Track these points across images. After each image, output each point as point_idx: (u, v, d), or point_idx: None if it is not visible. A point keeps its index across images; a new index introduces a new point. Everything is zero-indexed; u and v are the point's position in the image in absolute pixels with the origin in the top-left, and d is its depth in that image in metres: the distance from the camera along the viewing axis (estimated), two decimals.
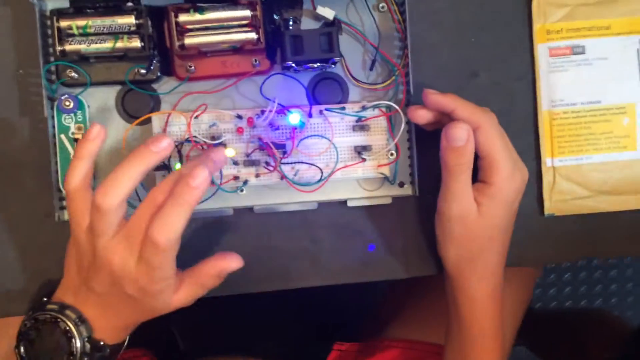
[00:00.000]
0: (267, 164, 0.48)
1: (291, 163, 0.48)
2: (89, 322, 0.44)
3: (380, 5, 0.50)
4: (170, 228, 0.40)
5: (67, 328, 0.43)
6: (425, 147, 0.51)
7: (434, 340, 0.71)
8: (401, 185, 0.51)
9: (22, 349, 0.44)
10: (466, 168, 0.45)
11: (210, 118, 0.48)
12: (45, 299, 0.46)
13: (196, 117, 0.48)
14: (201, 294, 0.46)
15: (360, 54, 0.51)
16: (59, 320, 0.43)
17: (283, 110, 0.48)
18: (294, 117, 0.47)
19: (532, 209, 0.53)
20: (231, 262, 0.45)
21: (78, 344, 0.43)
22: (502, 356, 0.50)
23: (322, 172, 0.48)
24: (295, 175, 0.49)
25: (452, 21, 0.52)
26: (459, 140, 0.44)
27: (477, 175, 0.47)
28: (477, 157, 0.46)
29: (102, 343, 0.45)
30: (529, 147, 0.53)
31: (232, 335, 1.01)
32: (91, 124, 0.42)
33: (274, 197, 0.50)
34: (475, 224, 0.46)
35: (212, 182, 0.47)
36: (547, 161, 0.53)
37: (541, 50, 0.53)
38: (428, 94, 0.46)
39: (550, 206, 0.53)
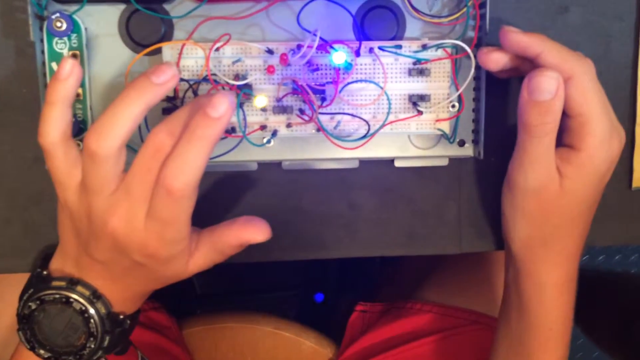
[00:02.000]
0: (302, 112, 0.39)
1: (332, 113, 0.39)
2: (106, 297, 0.37)
3: None
4: (189, 170, 0.32)
5: (83, 308, 0.37)
6: (493, 98, 0.41)
7: (473, 307, 0.64)
8: (461, 144, 0.42)
9: (28, 332, 0.37)
10: (551, 129, 0.36)
11: (234, 51, 0.39)
12: (40, 269, 0.38)
13: (217, 49, 0.38)
14: (220, 261, 0.39)
15: None
16: (71, 300, 0.36)
17: (325, 46, 0.38)
18: (339, 56, 0.37)
19: (618, 179, 0.44)
20: (257, 234, 0.37)
21: (97, 323, 0.37)
22: (566, 354, 0.42)
23: (369, 126, 0.39)
24: (335, 127, 0.40)
25: None
26: (546, 93, 0.35)
27: (562, 138, 0.38)
28: (564, 115, 0.37)
29: (121, 317, 0.38)
30: (622, 105, 0.43)
31: (248, 283, 0.96)
32: (63, 59, 0.34)
33: (307, 151, 0.41)
34: (556, 199, 0.37)
35: (233, 131, 0.38)
36: None
37: None
38: (508, 32, 0.37)
39: None
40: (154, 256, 0.35)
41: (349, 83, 0.39)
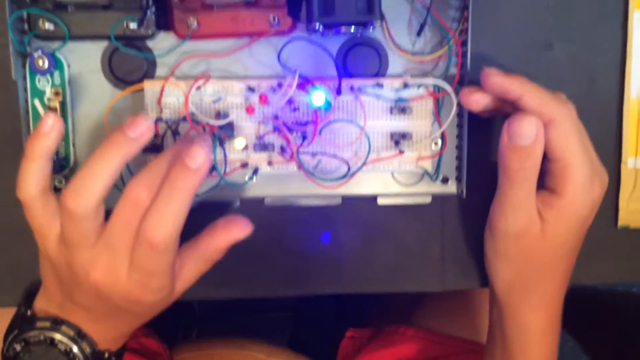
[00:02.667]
0: (283, 149, 0.39)
1: (312, 153, 0.39)
2: (90, 336, 0.37)
3: None
4: (169, 222, 0.32)
5: (68, 349, 0.37)
6: (476, 136, 0.41)
7: (463, 335, 0.63)
8: (445, 181, 0.42)
9: None
10: (531, 174, 0.36)
11: (215, 88, 0.39)
12: (23, 309, 0.38)
13: (198, 88, 0.38)
14: (206, 270, 0.38)
15: (406, 15, 0.40)
16: (55, 341, 0.36)
17: (305, 84, 0.38)
18: (318, 97, 0.37)
19: (603, 217, 0.43)
20: (241, 231, 0.36)
21: None
22: None
23: (348, 166, 0.39)
24: (316, 166, 0.40)
25: None
26: (526, 138, 0.35)
27: (543, 180, 0.37)
28: (545, 158, 0.36)
29: (106, 355, 0.38)
30: (607, 142, 0.43)
31: (244, 311, 0.95)
32: (44, 114, 0.34)
33: (289, 188, 0.41)
34: (537, 243, 0.37)
35: (213, 170, 0.38)
36: (629, 161, 0.43)
37: (638, 18, 0.42)
38: (488, 75, 0.36)
39: (626, 217, 0.43)
40: (139, 302, 0.35)
41: (329, 123, 0.38)
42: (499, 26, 0.41)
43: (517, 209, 0.36)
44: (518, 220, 0.37)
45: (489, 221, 0.39)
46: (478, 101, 0.37)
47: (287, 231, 0.43)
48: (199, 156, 0.31)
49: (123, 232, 0.33)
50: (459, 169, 0.41)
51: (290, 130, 0.38)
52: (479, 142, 0.42)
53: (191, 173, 0.32)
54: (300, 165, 0.39)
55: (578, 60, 0.42)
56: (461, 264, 0.44)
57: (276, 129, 0.38)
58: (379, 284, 0.44)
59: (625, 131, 0.43)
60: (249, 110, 0.38)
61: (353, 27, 0.37)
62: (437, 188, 0.42)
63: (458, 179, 0.42)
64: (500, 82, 0.36)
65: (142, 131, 0.33)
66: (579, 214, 0.36)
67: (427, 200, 0.42)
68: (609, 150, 0.43)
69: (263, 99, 0.38)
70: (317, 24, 0.36)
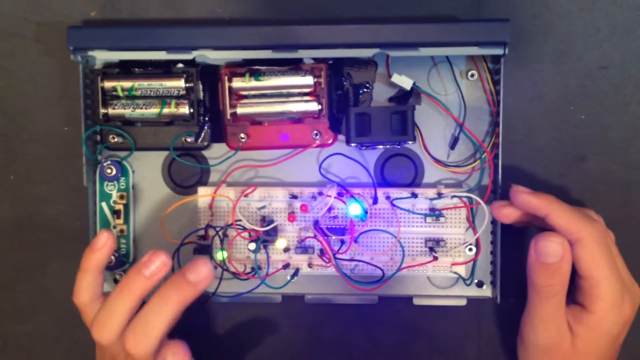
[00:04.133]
0: (322, 252, 0.42)
1: (348, 260, 0.41)
2: None
3: (470, 72, 0.42)
4: (151, 336, 0.34)
5: None
6: (510, 241, 0.42)
7: None
8: (480, 285, 0.43)
9: None
10: (558, 290, 0.37)
11: (261, 195, 0.42)
12: None
13: (245, 195, 0.42)
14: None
15: (441, 129, 0.43)
16: None
17: (344, 194, 0.41)
18: (355, 208, 0.40)
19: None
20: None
21: None
22: None
23: (383, 273, 0.41)
24: (352, 270, 0.42)
25: (557, 93, 0.43)
26: (552, 256, 0.36)
27: (574, 295, 0.38)
28: (576, 274, 0.37)
29: None
30: None
31: None
32: (99, 232, 0.38)
33: (328, 286, 0.44)
34: (568, 358, 0.37)
35: (255, 274, 0.41)
36: None
37: None
38: (517, 193, 0.38)
39: None
40: None
41: (364, 232, 0.41)
42: (531, 139, 0.43)
43: (546, 323, 0.37)
44: (548, 334, 0.37)
45: (520, 332, 0.40)
46: (509, 215, 0.39)
47: (326, 327, 0.45)
48: (202, 270, 0.34)
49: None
50: (493, 274, 0.43)
51: (328, 236, 0.41)
52: (514, 247, 0.43)
53: (188, 286, 0.34)
54: (338, 270, 0.41)
55: (611, 174, 0.43)
56: None
57: (316, 236, 0.41)
58: None
59: None
60: (291, 218, 0.41)
61: (387, 145, 0.40)
62: (472, 291, 0.43)
63: (493, 284, 0.43)
64: (529, 200, 0.37)
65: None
66: (610, 331, 0.37)
67: (463, 302, 0.43)
68: None
69: (304, 208, 0.41)
70: (354, 144, 0.39)
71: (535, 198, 0.37)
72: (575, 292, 0.38)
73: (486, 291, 0.43)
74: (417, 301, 0.44)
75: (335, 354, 0.45)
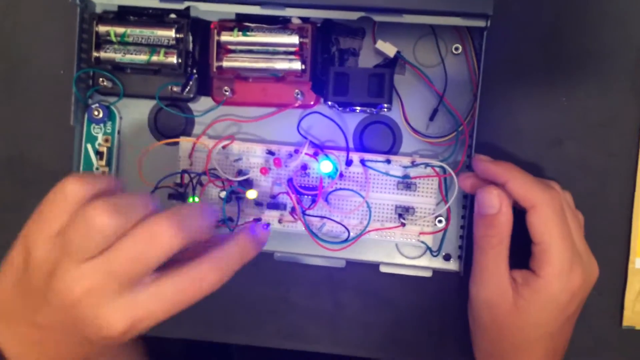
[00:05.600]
0: (293, 210, 0.42)
1: (316, 216, 0.42)
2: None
3: (455, 46, 0.43)
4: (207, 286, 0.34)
5: None
6: None
7: None
8: (447, 258, 0.44)
9: None
10: (496, 243, 0.38)
11: (240, 148, 0.43)
12: None
13: (223, 147, 0.43)
14: None
15: (423, 100, 0.43)
16: None
17: (319, 153, 0.42)
18: (326, 165, 0.41)
19: (608, 316, 0.43)
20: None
21: None
22: None
23: (348, 232, 0.42)
24: (320, 228, 0.43)
25: (542, 74, 0.43)
26: (489, 208, 0.37)
27: (528, 261, 0.39)
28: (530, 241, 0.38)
29: None
30: (616, 242, 0.43)
31: None
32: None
33: (298, 246, 0.44)
34: (509, 316, 0.38)
35: (224, 224, 0.42)
36: (637, 261, 0.43)
37: None
38: (478, 161, 0.40)
39: (632, 317, 0.43)
40: (109, 339, 0.32)
41: (333, 191, 0.42)
42: (509, 119, 0.44)
43: (485, 277, 0.38)
44: (487, 288, 0.38)
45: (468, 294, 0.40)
46: (470, 185, 0.40)
47: (293, 287, 0.46)
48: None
49: (133, 262, 0.31)
50: (461, 247, 0.43)
51: (300, 193, 0.42)
52: None
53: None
54: (305, 226, 0.42)
55: (588, 160, 0.43)
56: (460, 339, 0.44)
57: (287, 191, 0.42)
58: (377, 350, 0.45)
59: (635, 231, 0.43)
60: (263, 171, 0.42)
61: (365, 107, 0.41)
62: (439, 263, 0.44)
63: (460, 258, 0.43)
64: (488, 167, 0.38)
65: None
66: (556, 298, 0.37)
67: (428, 274, 0.44)
68: (617, 251, 0.43)
69: (277, 162, 0.42)
70: (330, 102, 0.40)
71: (494, 165, 0.38)
72: (529, 259, 0.38)
73: (453, 265, 0.44)
74: (383, 269, 0.44)
75: (300, 315, 0.46)
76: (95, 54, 0.43)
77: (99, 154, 0.45)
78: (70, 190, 0.32)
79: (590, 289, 0.38)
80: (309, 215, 0.42)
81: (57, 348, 0.34)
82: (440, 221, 0.43)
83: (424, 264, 0.44)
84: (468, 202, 0.42)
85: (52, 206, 0.33)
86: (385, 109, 0.42)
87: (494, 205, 0.37)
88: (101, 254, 0.31)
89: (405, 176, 0.42)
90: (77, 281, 0.31)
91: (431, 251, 0.43)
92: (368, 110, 0.42)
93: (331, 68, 0.40)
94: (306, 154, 0.42)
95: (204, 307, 0.44)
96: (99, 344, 0.33)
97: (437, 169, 0.42)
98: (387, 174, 0.42)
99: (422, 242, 0.43)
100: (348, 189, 0.42)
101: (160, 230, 0.31)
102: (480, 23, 0.40)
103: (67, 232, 0.31)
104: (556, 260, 0.37)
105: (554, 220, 0.37)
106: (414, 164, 0.42)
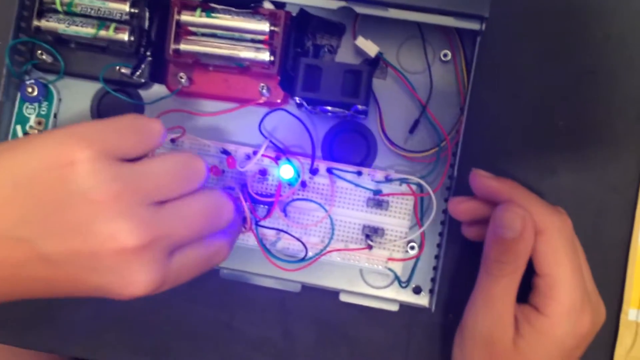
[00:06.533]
0: (245, 220, 0.37)
1: (270, 228, 0.37)
2: None
3: (443, 52, 0.38)
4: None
5: None
6: (458, 249, 0.38)
7: None
8: (417, 291, 0.38)
9: None
10: (510, 271, 0.32)
11: (192, 143, 0.38)
12: None
13: (172, 140, 0.37)
14: None
15: (403, 110, 0.38)
16: None
17: (280, 157, 0.36)
18: (286, 170, 0.35)
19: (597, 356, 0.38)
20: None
21: None
22: None
23: (306, 249, 0.36)
24: (276, 243, 0.37)
25: (538, 94, 0.39)
26: (509, 231, 0.31)
27: (529, 296, 0.34)
28: (534, 272, 0.33)
29: None
30: (608, 288, 0.38)
31: None
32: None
33: (248, 263, 0.38)
34: (506, 356, 0.32)
35: None
36: (630, 312, 0.38)
37: None
38: (477, 176, 0.34)
39: None
40: (116, 294, 0.28)
41: (291, 201, 0.36)
42: (499, 139, 0.39)
43: (490, 307, 0.33)
44: (489, 320, 0.33)
45: (461, 321, 0.35)
46: (467, 210, 0.35)
47: (239, 311, 0.40)
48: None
49: (204, 212, 0.30)
50: (433, 280, 0.38)
51: (255, 201, 0.36)
52: (462, 258, 0.39)
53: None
54: (257, 238, 0.36)
55: (584, 193, 0.39)
56: None
57: (238, 197, 0.36)
58: None
59: (630, 279, 0.38)
60: (214, 170, 0.36)
61: (339, 109, 0.36)
62: (407, 297, 0.38)
63: (431, 292, 0.38)
64: (489, 184, 0.33)
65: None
66: (561, 342, 0.32)
67: (395, 307, 0.38)
68: (609, 297, 0.38)
69: (230, 163, 0.36)
70: (298, 98, 0.35)
71: (497, 182, 0.34)
72: (530, 293, 0.33)
73: (423, 299, 0.38)
74: (344, 297, 0.39)
75: (243, 343, 0.39)
76: (36, 22, 0.37)
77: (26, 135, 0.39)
78: (159, 131, 0.30)
79: (595, 334, 0.33)
80: (262, 226, 0.36)
81: (23, 284, 0.28)
82: (412, 247, 0.37)
83: (391, 296, 0.38)
84: (445, 229, 0.37)
85: (136, 129, 0.30)
86: (360, 115, 0.37)
87: (516, 229, 0.31)
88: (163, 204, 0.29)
89: (377, 191, 0.37)
90: (126, 235, 0.27)
91: (400, 281, 0.37)
92: (341, 113, 0.37)
93: (302, 59, 0.35)
94: (265, 155, 0.36)
95: (130, 328, 0.38)
96: (82, 292, 0.29)
97: (414, 187, 0.37)
98: (357, 184, 0.36)
99: (390, 269, 0.37)
100: (310, 200, 0.36)
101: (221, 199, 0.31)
102: (474, 26, 0.35)
103: (152, 171, 0.29)
104: (566, 297, 0.31)
105: (565, 250, 0.32)
106: (387, 179, 0.37)
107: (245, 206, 0.35)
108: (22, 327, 0.41)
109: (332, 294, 0.39)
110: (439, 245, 0.38)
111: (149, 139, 0.30)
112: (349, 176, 0.37)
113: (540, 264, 0.32)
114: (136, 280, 0.27)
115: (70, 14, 0.37)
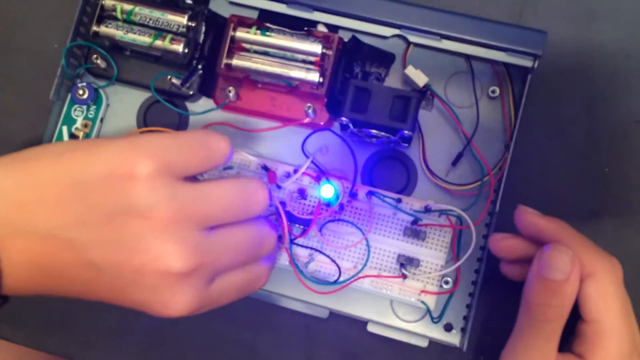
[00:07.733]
0: (280, 238, 0.36)
1: (305, 247, 0.36)
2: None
3: (492, 89, 0.38)
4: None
5: None
6: (496, 289, 0.37)
7: None
8: (448, 328, 0.37)
9: None
10: (555, 316, 0.30)
11: (235, 157, 0.38)
12: None
13: None
14: None
15: (447, 142, 0.38)
16: None
17: (319, 176, 0.36)
18: (327, 190, 0.35)
19: None
20: None
21: None
22: None
23: (339, 272, 0.36)
24: (307, 264, 0.36)
25: (583, 136, 0.39)
26: (558, 272, 0.30)
27: (572, 343, 0.32)
28: (579, 317, 0.31)
29: None
30: None
31: None
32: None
33: (277, 283, 0.38)
34: None
35: None
36: None
37: None
38: (524, 213, 0.33)
39: None
40: (171, 317, 0.28)
41: (329, 221, 0.36)
42: (542, 178, 0.38)
43: (531, 352, 0.31)
44: None
45: None
46: (510, 247, 0.33)
47: (262, 332, 0.39)
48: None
49: (251, 242, 0.30)
50: (466, 319, 0.36)
51: (293, 219, 0.36)
52: (498, 299, 0.37)
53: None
54: (290, 257, 0.35)
55: (627, 240, 0.38)
56: None
57: (276, 213, 0.36)
58: None
59: None
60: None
61: (384, 133, 0.36)
62: (437, 333, 0.37)
63: (463, 330, 0.36)
64: (537, 222, 0.32)
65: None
66: None
67: (424, 343, 0.37)
68: None
69: (271, 178, 0.36)
70: (345, 119, 0.35)
71: (545, 221, 0.32)
72: (574, 340, 0.31)
73: (454, 337, 0.37)
74: (371, 328, 0.37)
75: None
76: (95, 27, 0.38)
77: (73, 138, 0.39)
78: (227, 151, 0.30)
79: None
80: (297, 244, 0.36)
81: (60, 282, 0.28)
82: (446, 282, 0.37)
83: (420, 331, 0.37)
84: (482, 266, 0.36)
85: (204, 147, 0.29)
86: (404, 143, 0.37)
87: (565, 271, 0.30)
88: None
89: (417, 219, 0.36)
90: (174, 259, 0.27)
91: (431, 316, 0.36)
92: (385, 139, 0.36)
93: (352, 81, 0.35)
94: (306, 173, 0.36)
95: (150, 340, 0.38)
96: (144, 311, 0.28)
97: (453, 220, 0.36)
98: (397, 207, 0.36)
99: (423, 302, 0.36)
100: (348, 221, 0.36)
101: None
102: (527, 63, 0.35)
103: (211, 196, 0.28)
104: (614, 346, 0.30)
105: (616, 296, 0.30)
106: (427, 209, 0.36)
107: (285, 223, 0.35)
108: (42, 329, 0.40)
109: (360, 324, 0.38)
110: (474, 283, 0.37)
111: (215, 159, 0.30)
112: (388, 203, 0.36)
113: (587, 309, 0.31)
114: (175, 302, 0.28)
115: (128, 22, 0.38)
